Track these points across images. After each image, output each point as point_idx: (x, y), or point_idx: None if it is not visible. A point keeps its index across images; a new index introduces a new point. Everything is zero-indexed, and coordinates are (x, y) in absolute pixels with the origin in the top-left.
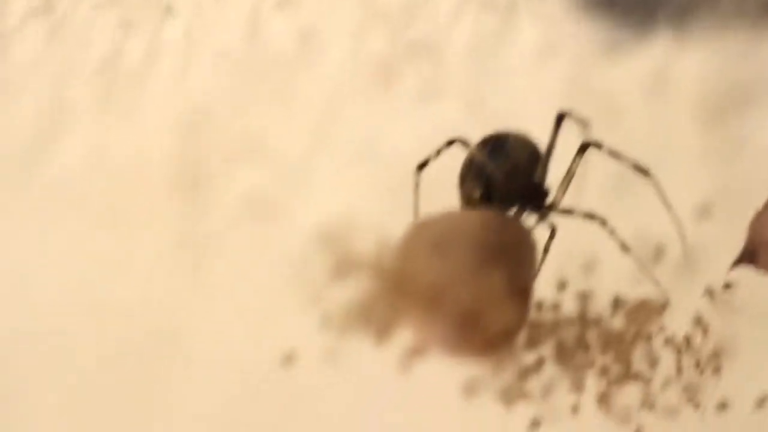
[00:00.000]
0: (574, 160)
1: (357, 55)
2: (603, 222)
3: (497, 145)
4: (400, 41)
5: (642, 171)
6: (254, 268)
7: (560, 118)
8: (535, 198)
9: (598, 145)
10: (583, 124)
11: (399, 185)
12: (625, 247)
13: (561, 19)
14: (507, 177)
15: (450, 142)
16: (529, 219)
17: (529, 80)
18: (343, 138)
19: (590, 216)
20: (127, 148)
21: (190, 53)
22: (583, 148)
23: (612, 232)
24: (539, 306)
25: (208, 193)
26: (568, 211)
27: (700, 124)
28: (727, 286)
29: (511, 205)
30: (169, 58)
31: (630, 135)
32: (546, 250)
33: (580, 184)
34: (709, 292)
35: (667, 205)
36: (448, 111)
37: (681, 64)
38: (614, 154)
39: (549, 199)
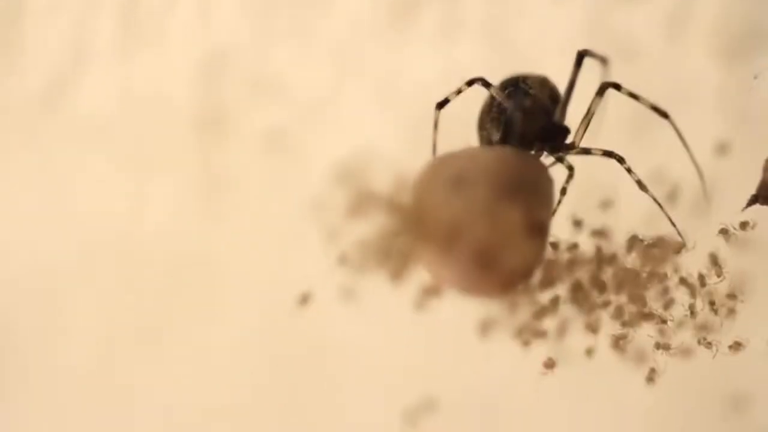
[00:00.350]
0: (593, 101)
1: None
2: (621, 159)
3: (517, 86)
4: None
5: (661, 113)
6: (274, 206)
7: (580, 57)
8: (554, 138)
9: (617, 87)
10: (604, 61)
11: (418, 122)
12: (642, 185)
13: None
14: (526, 118)
15: (471, 82)
16: (548, 159)
17: (548, 19)
18: (363, 76)
19: (608, 153)
20: (149, 86)
21: None
22: (602, 89)
23: (629, 170)
24: (555, 245)
25: (228, 130)
26: (586, 150)
27: (718, 64)
28: (743, 225)
29: (531, 146)
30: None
31: (648, 74)
32: (564, 190)
33: (596, 124)
34: (725, 232)
35: (686, 146)
36: (466, 49)
37: (699, 3)
38: (633, 96)
39: (569, 139)
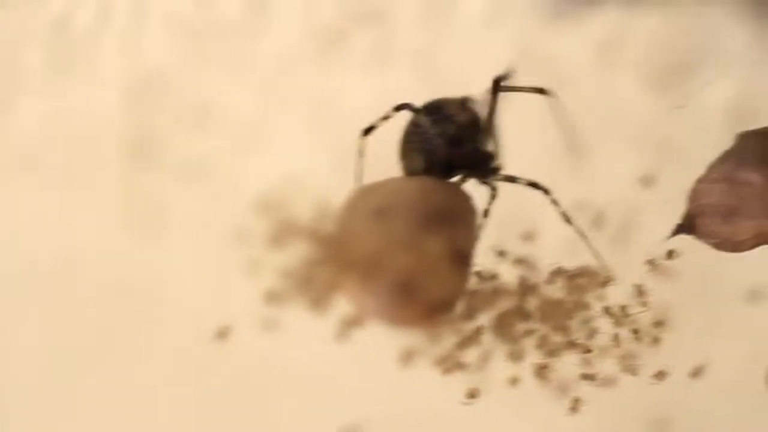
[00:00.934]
0: (491, 103)
1: (307, 21)
2: (546, 191)
3: (439, 111)
4: (348, 7)
5: (540, 91)
6: (200, 234)
7: (497, 83)
8: (478, 164)
9: (505, 77)
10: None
11: (349, 150)
12: (567, 218)
13: None
14: (449, 144)
15: (398, 108)
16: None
17: (478, 46)
18: (293, 103)
19: (534, 185)
20: (80, 111)
21: (141, 17)
22: (495, 87)
23: (555, 202)
24: (479, 275)
25: (158, 156)
26: (511, 179)
27: (648, 92)
28: (669, 254)
29: (454, 173)
30: (120, 22)
31: (578, 102)
32: (486, 213)
33: (518, 152)
34: (650, 262)
35: (567, 123)
36: (397, 76)
37: (629, 31)
38: (514, 88)
39: (493, 164)
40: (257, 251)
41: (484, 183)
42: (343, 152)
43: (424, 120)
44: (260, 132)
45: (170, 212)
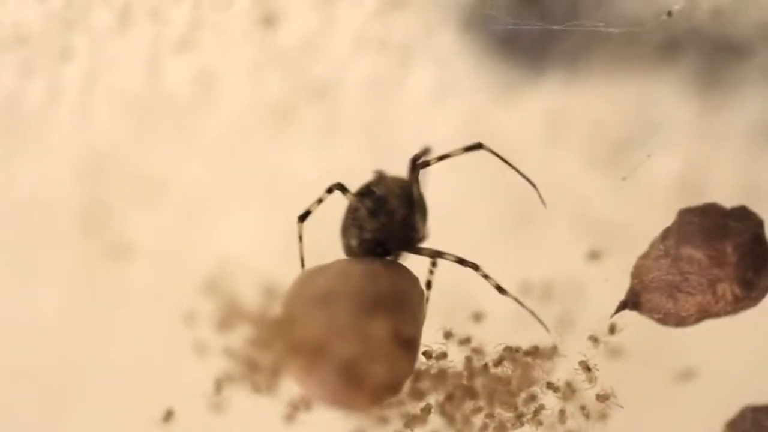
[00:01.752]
0: (413, 185)
1: (255, 96)
2: (475, 267)
3: (371, 191)
4: (297, 82)
5: (473, 147)
6: (150, 312)
7: (413, 161)
8: (402, 238)
9: (424, 159)
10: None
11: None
12: (501, 289)
13: (455, 60)
14: (377, 223)
15: (330, 189)
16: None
17: (426, 120)
18: (243, 178)
19: (461, 261)
20: (30, 186)
21: (91, 93)
22: (413, 166)
23: (486, 276)
24: (426, 354)
25: (109, 231)
26: (439, 254)
27: (592, 167)
28: (611, 329)
29: (387, 249)
30: (68, 100)
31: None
32: (429, 284)
33: (464, 229)
34: (594, 339)
35: (510, 165)
36: (348, 150)
37: (573, 106)
38: (443, 157)
39: (416, 237)
40: (205, 332)
41: (416, 254)
42: (293, 229)
43: (353, 199)
44: (210, 207)
45: (121, 288)
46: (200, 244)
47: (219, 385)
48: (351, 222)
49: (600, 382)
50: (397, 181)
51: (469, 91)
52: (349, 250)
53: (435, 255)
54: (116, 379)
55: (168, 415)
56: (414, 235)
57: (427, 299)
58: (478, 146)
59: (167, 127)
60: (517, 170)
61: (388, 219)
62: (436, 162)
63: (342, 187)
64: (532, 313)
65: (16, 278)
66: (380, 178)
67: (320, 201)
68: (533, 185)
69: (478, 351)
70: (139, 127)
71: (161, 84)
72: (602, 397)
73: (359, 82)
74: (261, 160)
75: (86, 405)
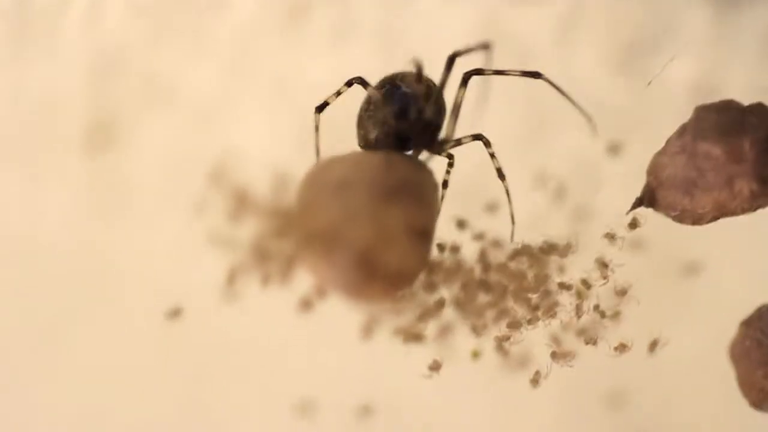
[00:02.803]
0: (458, 93)
1: None
2: (487, 143)
3: (393, 85)
4: None
5: (532, 74)
6: (162, 210)
7: (451, 60)
8: (425, 135)
9: (480, 72)
10: (485, 47)
11: (311, 125)
12: (501, 174)
13: None
14: (397, 117)
15: (350, 82)
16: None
17: (439, 21)
18: (255, 78)
19: (477, 137)
20: (40, 91)
21: None
22: (465, 79)
23: (492, 155)
24: (440, 247)
25: (119, 132)
26: (457, 142)
27: (609, 67)
28: (632, 225)
29: (407, 145)
30: (79, 1)
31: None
32: (445, 183)
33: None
34: (610, 236)
35: (568, 97)
36: (359, 51)
37: (589, 8)
38: (499, 72)
39: (440, 135)
40: (218, 226)
41: (437, 153)
42: (305, 127)
43: (376, 93)
44: (221, 108)
45: (132, 188)
46: (211, 144)
47: (232, 276)
48: (369, 115)
49: (615, 279)
50: (420, 76)
51: None
52: (365, 142)
53: (455, 144)
54: (131, 275)
55: (181, 308)
56: (436, 135)
57: (443, 198)
58: (537, 75)
59: (178, 28)
60: (571, 100)
61: (406, 114)
62: (491, 74)
63: (362, 81)
64: (511, 210)
65: (26, 181)
66: (403, 73)
67: (339, 93)
68: (588, 118)
69: (493, 244)
70: (150, 28)
71: None
72: (620, 292)
73: None
74: (272, 60)
75: (99, 305)
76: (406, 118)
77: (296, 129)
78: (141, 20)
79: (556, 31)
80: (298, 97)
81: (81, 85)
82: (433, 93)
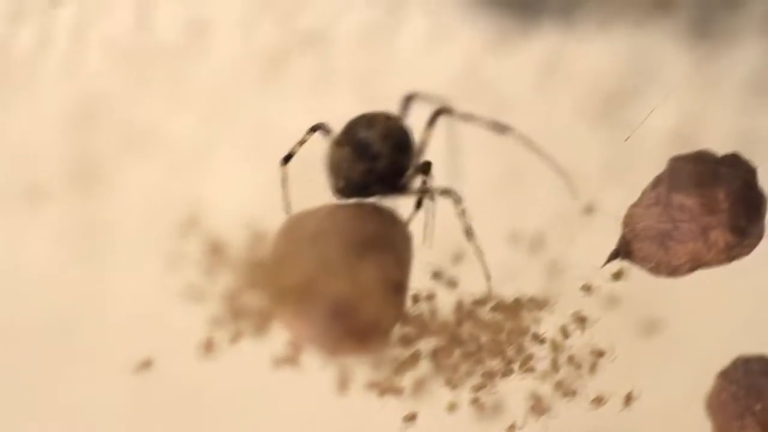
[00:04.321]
0: (424, 132)
1: (247, 45)
2: (458, 199)
3: (350, 132)
4: (290, 31)
5: (501, 128)
6: (140, 260)
7: (407, 100)
8: (389, 180)
9: (449, 111)
10: (438, 102)
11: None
12: (469, 234)
13: (449, 10)
14: (359, 163)
15: (312, 129)
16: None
17: (419, 70)
18: (235, 129)
19: (446, 192)
20: (21, 134)
21: (82, 40)
22: (433, 118)
23: (463, 213)
24: (415, 298)
25: (100, 182)
26: (425, 191)
27: (588, 116)
28: (616, 276)
29: (374, 191)
30: (59, 47)
31: (518, 127)
32: (424, 230)
33: (456, 184)
34: (587, 287)
35: (540, 153)
36: (340, 101)
37: (569, 56)
38: (468, 117)
39: (403, 180)
40: (195, 278)
41: (419, 201)
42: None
43: (341, 139)
44: (200, 156)
45: (110, 236)
46: (189, 193)
47: (209, 328)
48: (333, 162)
49: (592, 333)
50: (388, 122)
51: (463, 40)
52: (335, 189)
53: (422, 191)
54: (106, 327)
55: (146, 364)
56: (399, 179)
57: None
58: (506, 129)
59: (157, 75)
60: (546, 158)
61: (371, 162)
62: (458, 118)
63: (324, 128)
64: (484, 267)
65: (5, 227)
66: (370, 117)
67: (303, 142)
68: (564, 175)
69: (468, 296)
70: (129, 75)
71: (152, 31)
72: (597, 353)
73: (352, 31)
74: (252, 109)
75: (75, 354)
76: (365, 163)
77: (274, 179)
78: (121, 68)
79: (536, 80)
80: (277, 146)
81: (61, 132)
82: (400, 136)
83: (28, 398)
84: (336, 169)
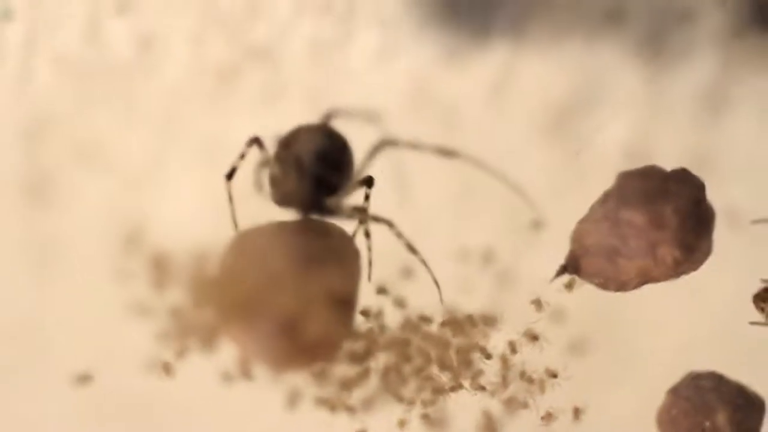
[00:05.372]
0: (364, 161)
1: (197, 60)
2: (390, 224)
3: (288, 143)
4: (239, 45)
5: (448, 153)
6: (89, 275)
7: (328, 117)
8: (317, 199)
9: (394, 143)
10: (374, 119)
11: (239, 190)
12: (411, 248)
13: (399, 24)
14: (296, 179)
15: (250, 143)
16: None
17: (369, 84)
18: (185, 144)
19: (377, 219)
20: None
21: (31, 57)
22: (377, 147)
23: (399, 235)
24: (365, 313)
25: (51, 195)
26: (360, 211)
27: (539, 132)
28: (569, 285)
29: (305, 207)
30: (9, 63)
31: (469, 143)
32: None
33: (405, 201)
34: (537, 302)
35: (490, 172)
36: (290, 114)
37: (519, 72)
38: (414, 145)
39: (334, 198)
40: (142, 293)
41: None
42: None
43: (276, 153)
44: (150, 171)
45: (60, 250)
46: (139, 208)
47: (156, 343)
48: (270, 175)
49: (541, 348)
50: (323, 137)
51: (414, 56)
52: (273, 200)
53: (355, 212)
54: (52, 339)
55: (85, 378)
56: (329, 197)
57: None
58: (453, 154)
59: (108, 91)
60: (497, 175)
61: (302, 178)
62: (405, 147)
63: (259, 142)
64: (433, 278)
65: None
66: (306, 131)
67: (243, 156)
68: (519, 191)
69: (415, 312)
70: (80, 90)
71: (102, 47)
72: (546, 369)
73: (302, 46)
74: (202, 124)
75: (21, 364)
76: (297, 179)
77: (224, 194)
78: (71, 83)
79: (486, 95)
80: (227, 161)
81: (12, 147)
82: (329, 151)
83: None
84: (272, 181)
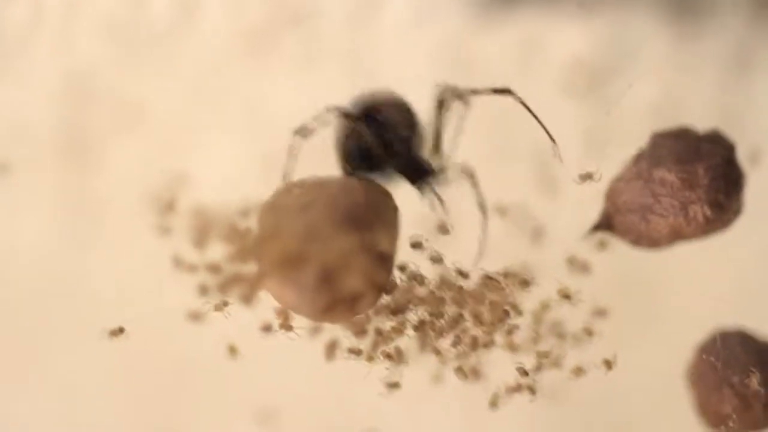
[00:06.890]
0: (437, 117)
1: (235, 23)
2: (472, 175)
3: (373, 112)
4: (276, 9)
5: (501, 91)
6: (134, 234)
7: (440, 103)
8: (417, 174)
9: (455, 91)
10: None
11: (277, 152)
12: (483, 207)
13: None
14: (383, 148)
15: (330, 110)
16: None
17: (406, 45)
18: (223, 105)
19: (465, 170)
20: (10, 113)
21: (73, 16)
22: (439, 104)
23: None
24: (402, 268)
25: (92, 158)
26: (442, 172)
27: (568, 93)
28: (599, 248)
29: (388, 173)
30: (51, 21)
31: (502, 103)
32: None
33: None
34: (570, 260)
35: (535, 116)
36: (327, 77)
37: (551, 34)
38: (474, 92)
39: (427, 179)
40: (185, 249)
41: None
42: (272, 153)
43: (359, 122)
44: (188, 133)
45: (101, 210)
46: (178, 167)
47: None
48: (351, 145)
49: (573, 306)
50: (400, 103)
51: (447, 17)
52: (342, 168)
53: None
54: (92, 297)
55: (119, 331)
56: (425, 169)
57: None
58: (507, 91)
59: (147, 52)
60: (539, 122)
61: (391, 146)
62: (468, 94)
63: (344, 110)
64: (483, 247)
65: (3, 200)
66: (384, 98)
67: (318, 119)
68: (553, 141)
69: (452, 268)
70: (120, 52)
71: (142, 9)
72: (578, 325)
73: (338, 7)
74: (239, 86)
75: (61, 323)
76: (389, 149)
77: (261, 155)
78: (110, 44)
79: (518, 57)
80: (265, 123)
81: (51, 106)
82: (417, 124)
83: (11, 368)
84: (351, 151)
